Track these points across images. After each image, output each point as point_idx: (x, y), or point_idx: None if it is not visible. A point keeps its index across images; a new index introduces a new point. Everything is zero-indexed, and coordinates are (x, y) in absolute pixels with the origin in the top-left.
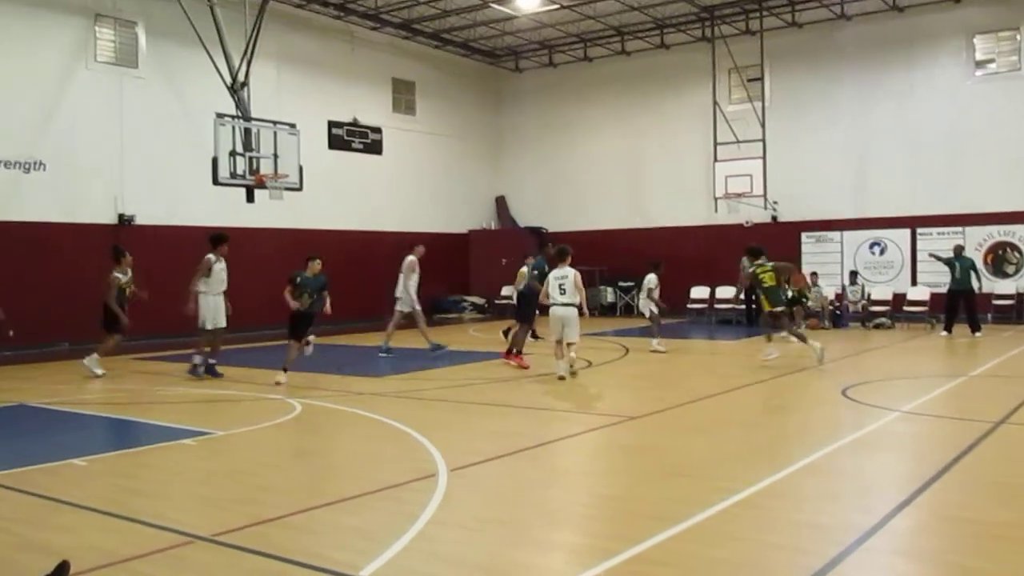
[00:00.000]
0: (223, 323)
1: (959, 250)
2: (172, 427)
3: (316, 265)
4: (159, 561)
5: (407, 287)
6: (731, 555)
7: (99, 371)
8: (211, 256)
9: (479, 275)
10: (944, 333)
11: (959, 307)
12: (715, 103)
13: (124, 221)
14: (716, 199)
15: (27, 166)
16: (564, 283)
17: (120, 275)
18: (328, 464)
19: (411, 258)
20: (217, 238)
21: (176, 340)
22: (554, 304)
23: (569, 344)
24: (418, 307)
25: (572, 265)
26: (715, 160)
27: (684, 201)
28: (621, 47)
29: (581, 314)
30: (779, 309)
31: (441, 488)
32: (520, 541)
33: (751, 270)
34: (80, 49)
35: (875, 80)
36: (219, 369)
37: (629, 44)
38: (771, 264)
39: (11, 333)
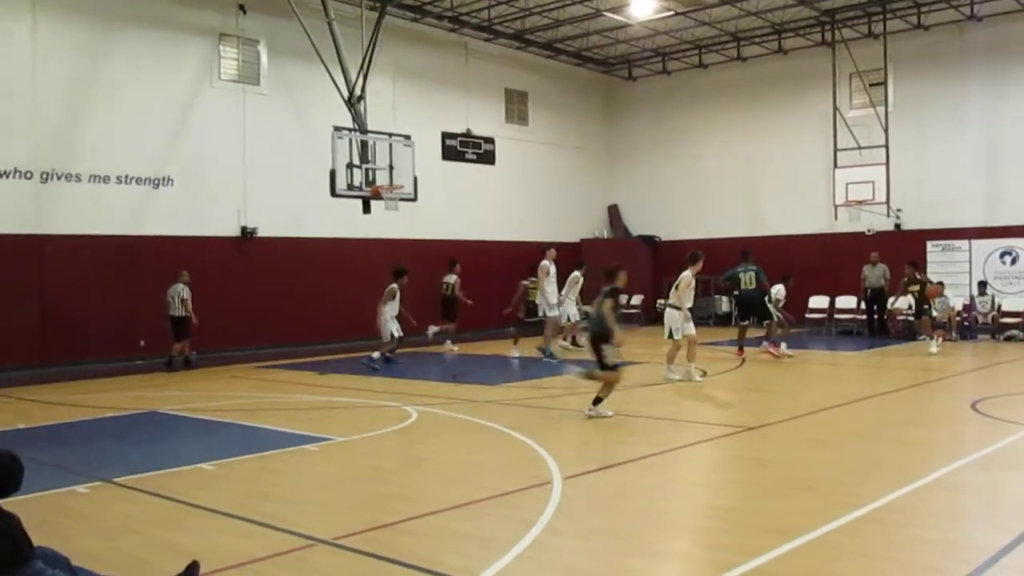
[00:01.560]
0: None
1: None
2: (295, 433)
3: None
4: (283, 563)
5: (543, 292)
6: (854, 571)
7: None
8: (395, 286)
9: (591, 284)
10: None
11: None
12: (835, 109)
13: (247, 234)
14: (836, 207)
15: (156, 182)
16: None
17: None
18: (444, 471)
19: (543, 263)
20: (400, 272)
21: (296, 349)
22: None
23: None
24: (551, 313)
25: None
26: (835, 167)
27: (802, 209)
28: (737, 53)
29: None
30: (535, 320)
31: (556, 496)
32: (635, 551)
33: (525, 283)
34: (205, 68)
35: (1007, 83)
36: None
37: (746, 50)
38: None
39: (142, 343)
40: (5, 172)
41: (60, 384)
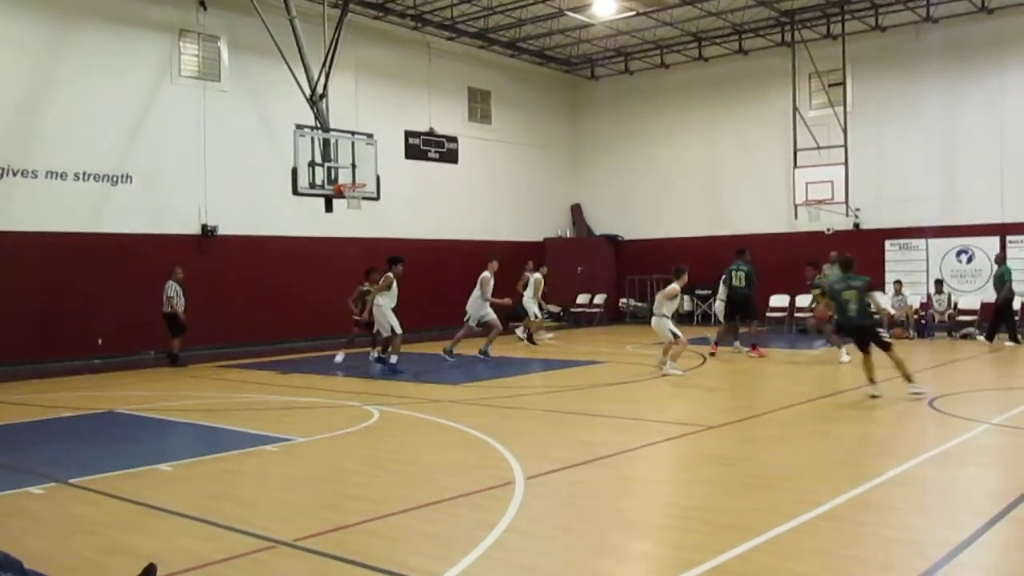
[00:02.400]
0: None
1: (999, 259)
2: (254, 433)
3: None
4: (242, 565)
5: (473, 299)
6: (814, 569)
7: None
8: (390, 274)
9: (554, 283)
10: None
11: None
12: (795, 109)
13: (207, 232)
14: (796, 206)
15: (115, 179)
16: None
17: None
18: (406, 471)
19: (484, 274)
20: (396, 260)
21: (258, 348)
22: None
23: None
24: (471, 321)
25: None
26: (795, 166)
27: (763, 208)
28: (699, 53)
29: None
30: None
31: (518, 496)
32: (598, 550)
33: (362, 288)
34: (165, 65)
35: (963, 84)
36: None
37: (707, 50)
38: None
39: (100, 341)
40: None
41: (15, 383)
